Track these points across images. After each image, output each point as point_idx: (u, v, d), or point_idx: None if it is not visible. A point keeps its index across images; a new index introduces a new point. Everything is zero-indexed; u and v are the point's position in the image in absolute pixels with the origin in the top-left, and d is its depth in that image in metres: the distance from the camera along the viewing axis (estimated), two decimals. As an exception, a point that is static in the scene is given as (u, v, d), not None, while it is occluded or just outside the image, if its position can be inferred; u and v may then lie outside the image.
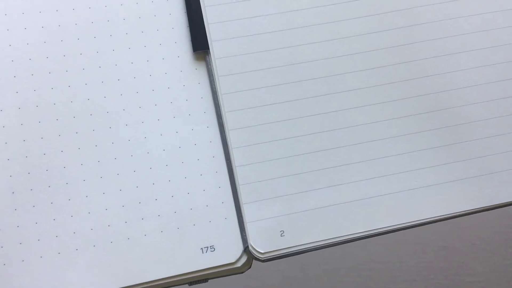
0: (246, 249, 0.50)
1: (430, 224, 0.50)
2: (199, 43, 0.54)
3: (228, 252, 0.49)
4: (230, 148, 0.52)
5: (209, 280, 0.50)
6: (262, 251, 0.49)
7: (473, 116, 0.55)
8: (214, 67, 0.53)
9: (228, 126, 0.52)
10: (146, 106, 0.53)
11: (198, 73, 0.54)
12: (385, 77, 0.55)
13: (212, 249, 0.49)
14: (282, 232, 0.50)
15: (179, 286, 0.49)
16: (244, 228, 0.50)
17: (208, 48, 0.54)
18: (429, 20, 0.57)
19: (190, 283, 0.49)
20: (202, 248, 0.49)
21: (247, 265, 0.50)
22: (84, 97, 0.52)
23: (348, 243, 0.50)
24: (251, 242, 0.49)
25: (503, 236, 0.52)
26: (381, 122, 0.53)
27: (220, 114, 0.52)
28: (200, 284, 0.50)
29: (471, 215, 0.52)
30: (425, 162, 0.52)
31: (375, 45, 0.56)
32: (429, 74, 0.55)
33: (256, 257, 0.49)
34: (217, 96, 0.53)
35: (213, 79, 0.53)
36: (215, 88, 0.53)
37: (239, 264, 0.49)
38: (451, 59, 0.56)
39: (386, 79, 0.54)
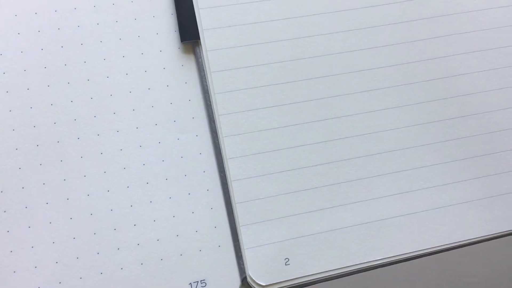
0: (244, 281, 0.42)
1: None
2: (188, 32, 0.45)
3: (223, 287, 0.42)
4: (224, 159, 0.43)
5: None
6: (263, 284, 0.41)
7: (506, 122, 0.47)
8: (205, 61, 0.45)
9: (222, 132, 0.44)
10: (122, 111, 0.44)
11: (185, 70, 0.45)
12: (405, 76, 0.47)
13: (203, 284, 0.41)
14: (287, 260, 0.42)
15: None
16: (242, 256, 0.42)
17: (199, 38, 0.46)
18: (456, 10, 0.49)
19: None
20: (191, 283, 0.41)
21: (246, 301, 0.43)
22: (46, 102, 0.43)
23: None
24: (250, 272, 0.41)
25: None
26: (401, 129, 0.45)
27: (213, 118, 0.44)
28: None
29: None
30: (452, 177, 0.45)
31: (394, 38, 0.47)
32: (454, 74, 0.47)
33: (256, 291, 0.42)
34: (208, 97, 0.45)
35: (204, 76, 0.45)
36: (206, 86, 0.45)
37: (235, 301, 0.42)
38: (480, 56, 0.48)
39: (406, 79, 0.47)
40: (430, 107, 0.46)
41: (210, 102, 0.44)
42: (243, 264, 0.42)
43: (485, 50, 0.48)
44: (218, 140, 0.44)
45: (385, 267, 0.43)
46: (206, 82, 0.44)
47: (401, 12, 0.47)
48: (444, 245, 0.43)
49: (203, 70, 0.45)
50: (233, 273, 0.41)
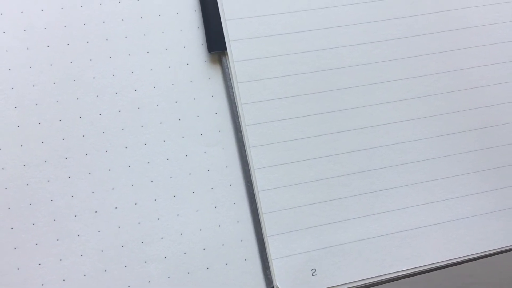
0: (271, 291, 0.39)
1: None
2: (215, 43, 0.41)
3: (249, 300, 0.38)
4: (251, 169, 0.39)
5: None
6: (290, 294, 0.38)
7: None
8: (232, 71, 0.41)
9: (249, 142, 0.40)
10: (150, 124, 0.40)
11: (212, 83, 0.41)
12: (428, 88, 0.43)
13: (230, 297, 0.38)
14: (313, 270, 0.38)
15: None
16: (269, 266, 0.38)
17: (225, 49, 0.42)
18: (478, 23, 0.45)
19: None
20: (217, 297, 0.38)
21: (272, 312, 0.39)
22: (75, 115, 0.39)
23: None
24: (278, 283, 0.38)
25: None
26: (424, 140, 0.42)
27: (239, 129, 0.40)
28: None
29: None
30: (475, 187, 0.41)
31: (417, 50, 0.43)
32: (477, 85, 0.43)
33: (282, 302, 0.39)
34: (235, 108, 0.41)
35: (231, 87, 0.41)
36: (233, 97, 0.41)
37: (262, 313, 0.38)
38: (502, 68, 0.44)
39: (429, 90, 0.43)
40: (453, 118, 0.42)
41: (236, 113, 0.40)
42: (270, 275, 0.38)
43: (507, 62, 0.44)
44: (244, 152, 0.40)
45: (411, 278, 0.38)
46: (232, 94, 0.41)
47: (424, 25, 0.43)
48: (469, 255, 0.39)
49: (230, 81, 0.41)
50: (259, 285, 0.37)
